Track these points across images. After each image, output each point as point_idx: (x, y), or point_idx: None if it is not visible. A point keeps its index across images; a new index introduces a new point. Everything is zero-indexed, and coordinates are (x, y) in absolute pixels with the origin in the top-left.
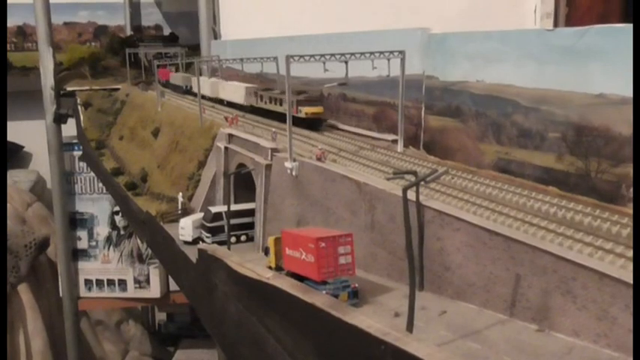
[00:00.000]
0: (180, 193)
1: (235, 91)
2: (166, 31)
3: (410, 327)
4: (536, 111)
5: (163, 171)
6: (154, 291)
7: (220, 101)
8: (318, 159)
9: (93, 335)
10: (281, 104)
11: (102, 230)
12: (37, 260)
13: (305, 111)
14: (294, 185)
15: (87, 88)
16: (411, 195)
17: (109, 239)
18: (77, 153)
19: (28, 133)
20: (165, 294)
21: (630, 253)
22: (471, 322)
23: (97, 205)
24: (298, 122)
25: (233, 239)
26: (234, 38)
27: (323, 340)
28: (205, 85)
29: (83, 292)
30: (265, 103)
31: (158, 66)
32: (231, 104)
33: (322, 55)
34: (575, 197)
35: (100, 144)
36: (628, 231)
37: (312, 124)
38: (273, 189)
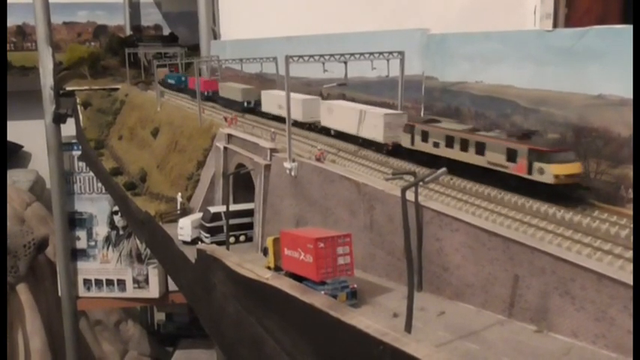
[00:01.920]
0: (179, 193)
1: (359, 119)
2: (166, 31)
3: (408, 327)
4: (535, 112)
5: (162, 171)
6: (153, 291)
7: (321, 130)
8: (318, 159)
9: (92, 335)
10: (481, 151)
11: (101, 230)
12: (36, 260)
13: (554, 172)
14: (294, 185)
15: (86, 87)
16: (410, 195)
17: (108, 239)
18: (76, 153)
19: (27, 132)
20: (164, 294)
21: (629, 254)
22: (469, 322)
23: (96, 205)
24: (532, 190)
25: (232, 239)
26: (233, 38)
27: (322, 340)
28: (296, 105)
29: (82, 291)
30: (436, 146)
31: (158, 66)
32: (341, 135)
33: (322, 56)
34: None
35: (99, 144)
36: (627, 232)
37: (563, 193)
38: (272, 189)
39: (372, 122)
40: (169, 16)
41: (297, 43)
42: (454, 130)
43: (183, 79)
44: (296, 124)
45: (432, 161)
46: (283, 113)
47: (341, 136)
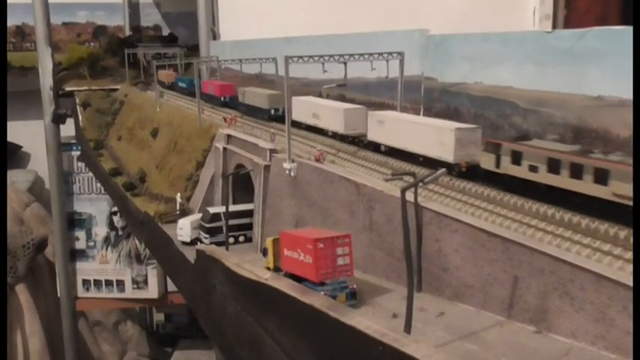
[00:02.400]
0: (179, 194)
1: (420, 134)
2: (165, 32)
3: (408, 328)
4: (534, 113)
5: (162, 171)
6: (152, 291)
7: (368, 145)
8: (317, 160)
9: (91, 336)
10: (602, 180)
11: (100, 230)
12: (35, 260)
13: None
14: (293, 186)
15: (85, 88)
16: (410, 196)
17: (107, 240)
18: (75, 153)
19: (27, 133)
20: (163, 294)
21: (628, 255)
22: (468, 323)
23: (95, 206)
24: None
25: (231, 240)
26: (233, 39)
27: (321, 341)
28: (337, 115)
29: (81, 292)
30: (534, 170)
31: (158, 67)
32: (394, 152)
33: (321, 56)
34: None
35: (99, 144)
36: (626, 232)
37: None
38: (271, 190)
39: (438, 138)
40: (169, 16)
41: (296, 43)
42: (561, 152)
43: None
44: (335, 136)
45: (525, 188)
46: (320, 124)
47: (393, 153)
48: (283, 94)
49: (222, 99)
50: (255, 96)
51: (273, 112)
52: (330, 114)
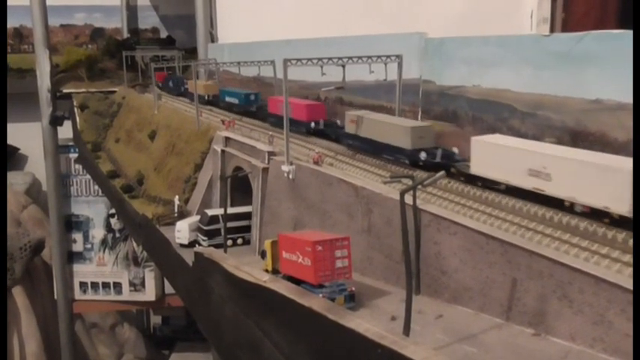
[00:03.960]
0: (177, 196)
1: None
2: (163, 34)
3: (406, 331)
4: (532, 116)
5: (160, 174)
6: (150, 294)
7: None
8: (315, 162)
9: (87, 338)
10: None
11: (97, 233)
12: (32, 263)
13: None
14: (291, 188)
15: (83, 90)
16: (409, 199)
17: (104, 242)
18: (73, 155)
19: (24, 135)
20: (160, 297)
21: (626, 258)
22: (467, 326)
23: (92, 208)
24: None
25: (229, 242)
26: (231, 41)
27: (319, 343)
28: (598, 178)
29: (78, 294)
30: None
31: (155, 70)
32: None
33: (320, 59)
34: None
35: (96, 146)
36: (624, 235)
37: None
38: (270, 192)
39: None
40: (167, 19)
41: (295, 46)
42: None
43: (252, 97)
44: (596, 216)
45: None
46: (551, 189)
47: None
48: (431, 126)
49: (311, 125)
50: (385, 128)
51: (423, 156)
52: (584, 174)
